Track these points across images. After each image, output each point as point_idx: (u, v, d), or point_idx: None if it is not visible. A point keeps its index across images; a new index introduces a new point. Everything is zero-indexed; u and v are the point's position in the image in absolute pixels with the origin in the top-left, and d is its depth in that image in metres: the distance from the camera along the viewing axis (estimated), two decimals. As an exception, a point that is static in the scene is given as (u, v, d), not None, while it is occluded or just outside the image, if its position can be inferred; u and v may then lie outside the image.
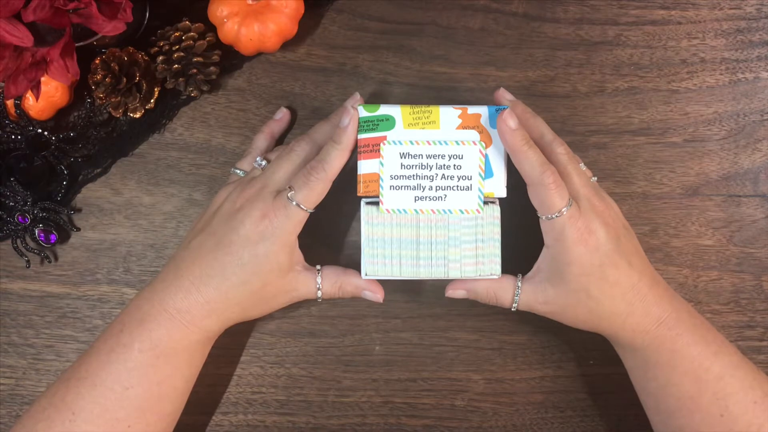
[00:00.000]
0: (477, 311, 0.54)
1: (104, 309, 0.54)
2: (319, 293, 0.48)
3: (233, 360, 0.54)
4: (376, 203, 0.47)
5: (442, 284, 0.51)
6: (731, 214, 0.55)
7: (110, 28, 0.44)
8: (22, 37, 0.43)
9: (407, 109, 0.47)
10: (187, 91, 0.53)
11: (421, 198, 0.47)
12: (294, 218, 0.45)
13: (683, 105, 0.55)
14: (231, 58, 0.55)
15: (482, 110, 0.47)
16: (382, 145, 0.46)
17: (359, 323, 0.54)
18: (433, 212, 0.47)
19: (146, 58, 0.53)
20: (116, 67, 0.52)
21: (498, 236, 0.47)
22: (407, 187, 0.47)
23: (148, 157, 0.55)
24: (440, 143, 0.47)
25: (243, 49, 0.52)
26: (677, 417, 0.46)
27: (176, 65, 0.52)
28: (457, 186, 0.47)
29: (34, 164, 0.53)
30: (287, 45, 0.54)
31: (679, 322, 0.46)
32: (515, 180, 0.47)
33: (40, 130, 0.53)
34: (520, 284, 0.48)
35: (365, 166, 0.47)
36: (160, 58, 0.52)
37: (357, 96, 0.50)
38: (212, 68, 0.53)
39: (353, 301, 0.54)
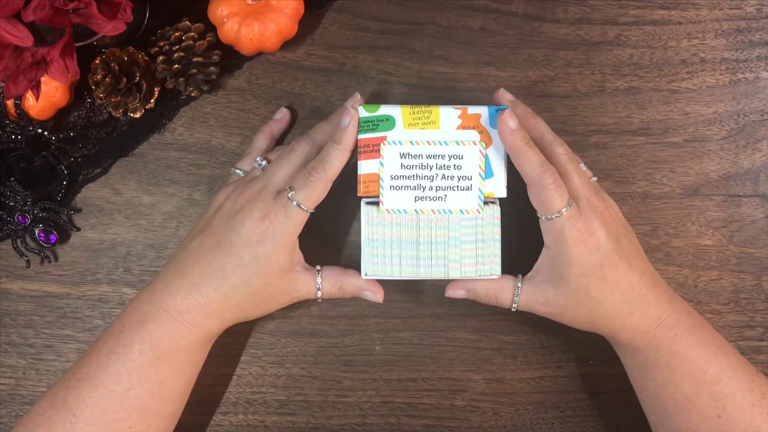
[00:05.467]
0: (477, 311, 0.54)
1: (104, 309, 0.54)
2: (319, 293, 0.48)
3: (233, 360, 0.54)
4: (376, 203, 0.47)
5: (442, 284, 0.51)
6: (731, 214, 0.55)
7: (110, 28, 0.44)
8: (22, 37, 0.43)
9: (407, 109, 0.47)
10: (187, 91, 0.53)
11: (421, 198, 0.47)
12: (294, 218, 0.45)
13: (683, 105, 0.55)
14: (231, 58, 0.55)
15: (482, 110, 0.47)
16: (382, 145, 0.46)
17: (359, 323, 0.54)
18: (433, 212, 0.47)
19: (146, 58, 0.53)
20: (116, 67, 0.52)
21: (498, 236, 0.47)
22: (407, 187, 0.47)
23: (148, 157, 0.55)
24: (440, 143, 0.47)
25: (243, 49, 0.52)
26: (675, 418, 0.46)
27: (176, 65, 0.52)
28: (457, 186, 0.47)
29: (34, 164, 0.53)
30: (287, 45, 0.54)
31: (679, 322, 0.46)
32: (515, 180, 0.47)
33: (40, 130, 0.53)
34: (520, 284, 0.48)
35: (365, 167, 0.47)
36: (160, 58, 0.52)
37: (357, 96, 0.50)
38: (212, 68, 0.53)
39: (353, 301, 0.54)
